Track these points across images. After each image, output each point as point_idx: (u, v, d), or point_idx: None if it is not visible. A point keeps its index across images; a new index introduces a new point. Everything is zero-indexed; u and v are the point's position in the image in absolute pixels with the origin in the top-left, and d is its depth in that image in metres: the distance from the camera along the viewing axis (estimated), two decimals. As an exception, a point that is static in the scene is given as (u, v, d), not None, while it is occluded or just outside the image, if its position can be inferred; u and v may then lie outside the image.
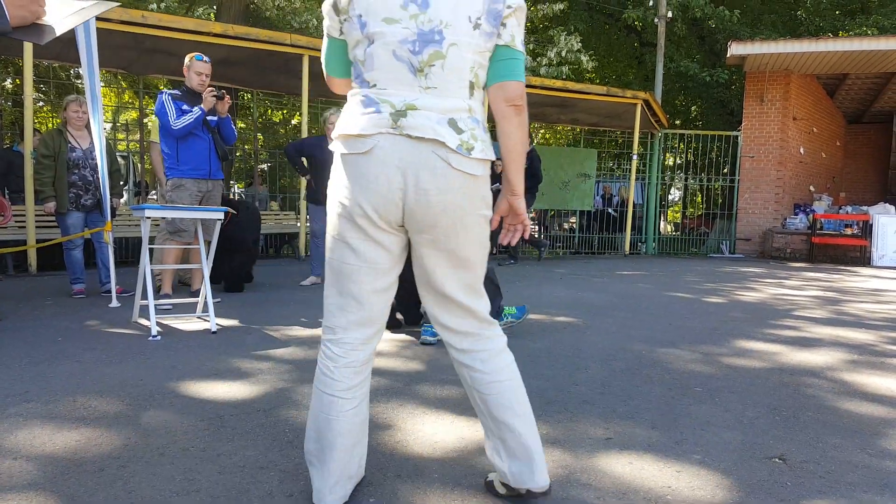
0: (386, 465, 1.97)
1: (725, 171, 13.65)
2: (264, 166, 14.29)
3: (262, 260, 9.55)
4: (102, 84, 14.14)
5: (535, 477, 1.65)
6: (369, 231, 1.56)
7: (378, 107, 1.51)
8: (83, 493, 1.74)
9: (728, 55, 11.43)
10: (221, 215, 4.03)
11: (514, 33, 1.56)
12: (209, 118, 4.80)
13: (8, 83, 14.54)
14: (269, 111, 15.80)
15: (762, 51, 11.17)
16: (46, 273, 6.87)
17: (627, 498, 1.78)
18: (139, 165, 12.67)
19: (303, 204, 9.20)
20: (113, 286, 4.83)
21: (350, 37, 1.57)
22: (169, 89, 5.21)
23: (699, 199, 19.37)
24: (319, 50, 8.45)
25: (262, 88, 11.14)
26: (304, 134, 8.71)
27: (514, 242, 1.74)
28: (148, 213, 3.64)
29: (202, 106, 4.68)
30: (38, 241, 6.61)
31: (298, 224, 9.55)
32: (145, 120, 12.28)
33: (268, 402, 2.57)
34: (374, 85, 1.54)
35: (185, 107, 4.64)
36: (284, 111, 15.56)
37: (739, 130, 12.63)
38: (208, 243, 4.39)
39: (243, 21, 11.31)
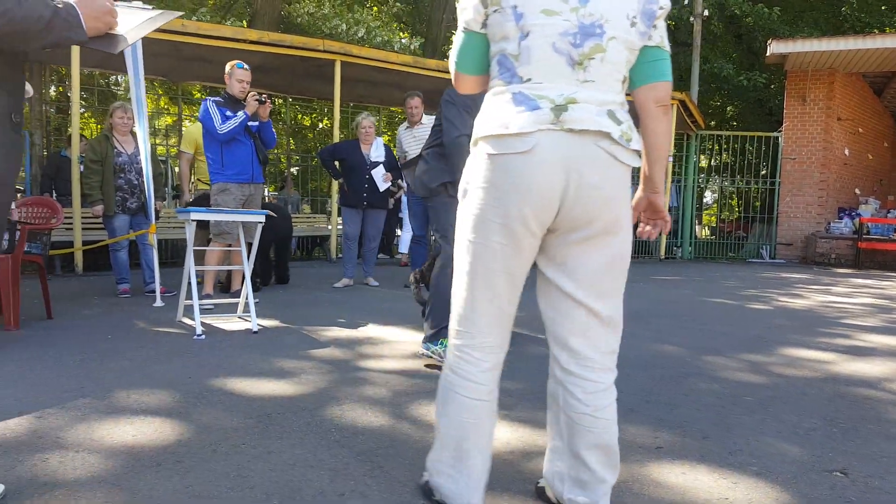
0: (434, 468, 1.96)
1: (763, 173, 13.33)
2: (294, 170, 14.46)
3: (294, 262, 9.68)
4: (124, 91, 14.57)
5: None
6: (519, 236, 1.51)
7: (535, 103, 1.46)
8: (144, 487, 1.78)
9: (768, 54, 11.17)
10: (263, 218, 4.09)
11: (663, 34, 1.57)
12: (250, 123, 4.88)
13: (52, 91, 15.02)
14: (299, 116, 16.00)
15: (805, 49, 10.89)
16: (92, 273, 7.05)
17: (683, 507, 1.74)
18: (175, 170, 12.96)
19: (334, 207, 9.30)
20: (157, 286, 4.93)
21: (498, 29, 1.52)
22: (206, 96, 5.32)
23: (734, 202, 18.99)
24: (350, 55, 8.64)
25: (295, 94, 11.30)
26: (336, 138, 8.80)
27: (653, 237, 1.77)
28: (193, 216, 3.71)
29: (246, 111, 4.76)
30: (84, 243, 6.80)
31: (329, 227, 9.64)
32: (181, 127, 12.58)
33: (312, 402, 2.59)
34: (529, 80, 1.50)
35: (228, 112, 4.73)
36: (313, 115, 15.72)
37: (780, 131, 12.32)
38: (249, 245, 4.45)
39: (276, 29, 11.48)
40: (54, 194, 7.88)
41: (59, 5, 1.18)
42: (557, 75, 1.48)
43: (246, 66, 4.91)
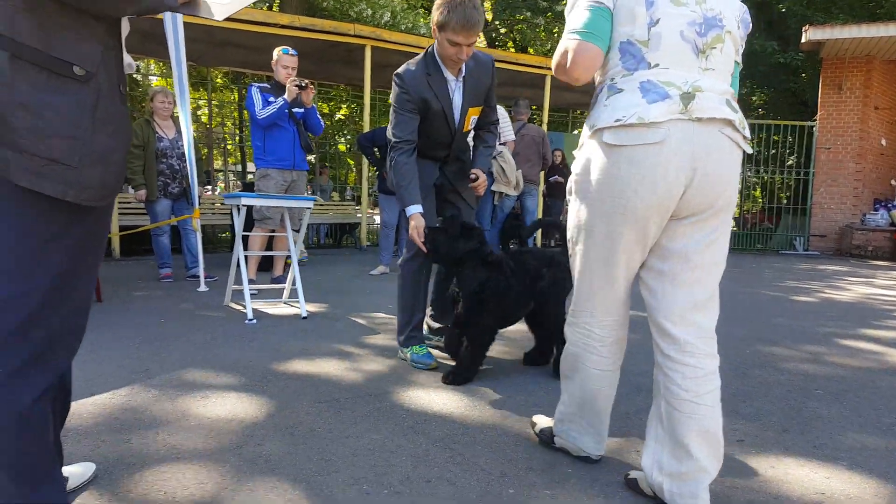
0: (514, 457, 1.94)
1: (790, 163, 13.05)
2: (311, 158, 14.52)
3: (324, 249, 9.70)
4: (158, 76, 14.63)
5: None
6: (645, 225, 1.54)
7: (664, 91, 1.48)
8: (230, 470, 1.77)
9: (804, 40, 10.92)
10: (311, 204, 4.07)
11: (742, 51, 1.66)
12: (296, 110, 4.85)
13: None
14: (319, 102, 16.03)
15: (842, 35, 10.63)
16: (129, 258, 7.12)
17: (780, 502, 1.70)
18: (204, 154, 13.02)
19: (364, 195, 9.27)
20: (201, 271, 4.95)
21: (627, 13, 1.53)
22: (251, 82, 5.28)
23: (757, 192, 18.66)
24: (381, 40, 8.56)
25: (322, 80, 11.25)
26: (367, 125, 8.76)
27: None
28: (244, 201, 3.69)
29: (285, 97, 4.74)
30: (121, 228, 6.85)
31: (360, 214, 9.62)
32: (198, 112, 12.55)
33: (376, 387, 2.57)
34: (657, 65, 1.52)
35: (271, 98, 4.70)
36: (331, 102, 15.66)
37: (815, 121, 12.07)
38: (296, 231, 4.44)
39: (302, 13, 11.44)
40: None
41: None
42: (681, 63, 1.52)
43: (293, 51, 4.85)
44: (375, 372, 2.80)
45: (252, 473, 1.76)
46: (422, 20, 13.04)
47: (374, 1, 11.52)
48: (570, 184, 1.70)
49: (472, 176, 2.93)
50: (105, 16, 1.14)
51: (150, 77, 14.79)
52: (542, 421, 2.07)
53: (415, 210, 2.66)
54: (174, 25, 4.60)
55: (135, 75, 13.81)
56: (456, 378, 2.65)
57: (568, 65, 1.55)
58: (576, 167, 1.66)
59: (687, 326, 1.58)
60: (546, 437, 1.99)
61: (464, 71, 2.77)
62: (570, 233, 1.72)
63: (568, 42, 1.56)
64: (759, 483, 1.81)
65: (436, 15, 2.58)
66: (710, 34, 1.53)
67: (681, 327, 1.58)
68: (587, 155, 1.60)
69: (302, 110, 4.89)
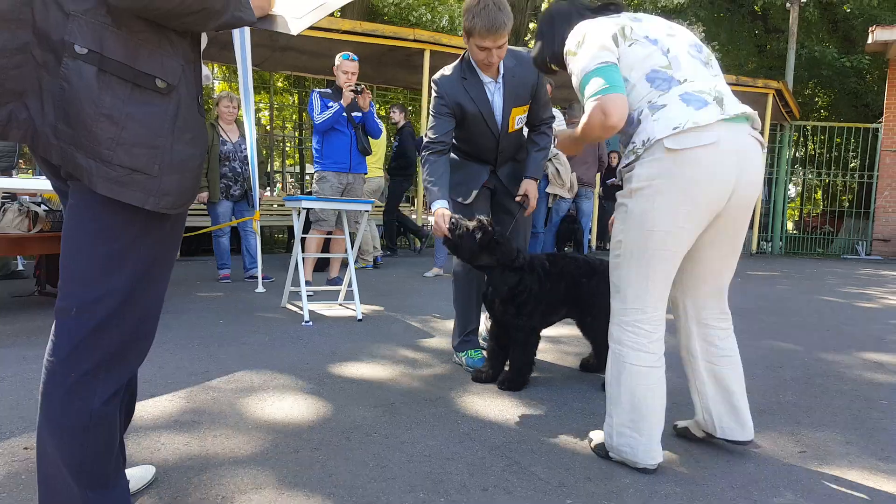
0: (571, 466, 1.92)
1: (852, 165, 12.48)
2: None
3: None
4: (221, 80, 15.07)
5: (744, 432, 1.96)
6: (702, 220, 1.77)
7: (702, 98, 1.71)
8: (287, 475, 1.81)
9: (870, 41, 10.46)
10: (368, 207, 4.13)
11: None
12: (354, 115, 4.93)
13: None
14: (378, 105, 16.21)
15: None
16: (186, 259, 7.38)
17: (852, 523, 1.63)
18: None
19: (419, 197, 9.34)
20: (259, 273, 5.09)
21: (639, 56, 1.80)
22: (319, 88, 5.39)
23: (818, 195, 17.90)
24: (440, 44, 8.60)
25: (381, 83, 11.39)
26: (423, 128, 8.82)
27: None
28: (305, 203, 3.78)
29: (341, 102, 4.82)
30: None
31: (414, 216, 9.69)
32: (258, 115, 12.80)
33: (433, 392, 2.59)
34: (685, 80, 1.76)
35: (330, 103, 4.80)
36: (388, 106, 15.82)
37: (880, 123, 11.52)
38: (353, 234, 4.51)
39: (363, 18, 11.62)
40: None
41: None
42: (699, 74, 1.80)
43: (354, 56, 4.90)
44: (431, 376, 2.83)
45: (309, 478, 1.79)
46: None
47: (432, 6, 11.58)
48: (627, 193, 1.82)
49: (518, 198, 2.87)
50: (187, 31, 1.20)
51: (213, 80, 15.27)
52: (597, 436, 2.05)
53: (439, 205, 2.66)
54: (241, 31, 4.74)
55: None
56: (510, 384, 2.64)
57: (604, 120, 1.72)
58: (636, 178, 1.78)
59: (720, 301, 1.98)
60: (602, 453, 1.99)
61: (502, 71, 2.76)
62: (621, 236, 1.85)
63: (593, 103, 1.73)
64: (822, 498, 1.74)
65: (464, 22, 2.61)
66: (704, 50, 1.89)
67: (715, 301, 1.97)
68: (647, 164, 1.74)
69: (360, 115, 4.97)
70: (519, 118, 2.87)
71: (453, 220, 2.60)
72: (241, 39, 4.75)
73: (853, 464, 1.98)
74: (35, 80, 1.06)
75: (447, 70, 2.79)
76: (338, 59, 4.91)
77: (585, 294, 2.70)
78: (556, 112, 5.17)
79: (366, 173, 5.24)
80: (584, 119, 1.78)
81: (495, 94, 2.80)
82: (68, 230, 1.20)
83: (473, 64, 2.75)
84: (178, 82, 1.18)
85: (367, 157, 5.20)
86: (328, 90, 4.95)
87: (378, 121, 5.17)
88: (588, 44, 1.81)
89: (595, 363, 2.92)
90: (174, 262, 1.43)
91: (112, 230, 1.19)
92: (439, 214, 2.62)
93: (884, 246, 11.31)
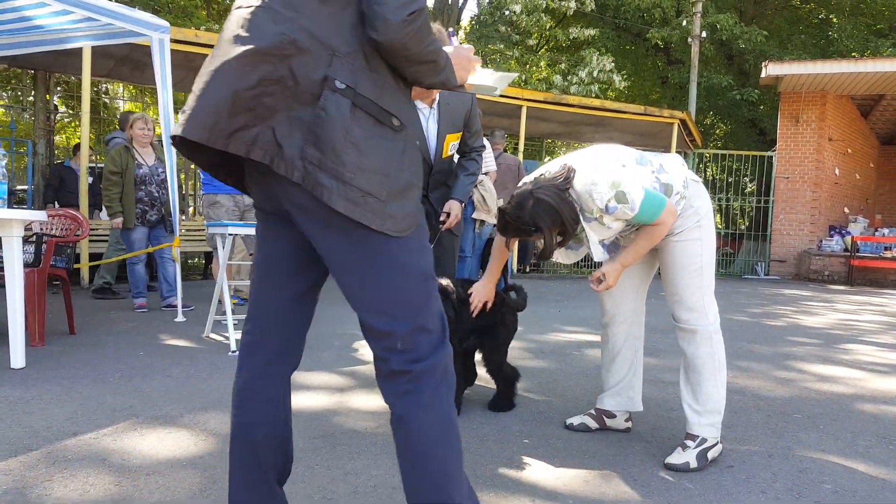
0: (531, 490, 1.95)
1: (749, 190, 13.47)
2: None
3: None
4: (128, 100, 14.45)
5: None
6: None
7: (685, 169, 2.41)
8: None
9: (763, 75, 11.40)
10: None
11: None
12: None
13: (55, 99, 14.78)
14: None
15: (799, 71, 11.14)
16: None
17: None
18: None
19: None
20: (179, 301, 4.87)
21: (652, 174, 2.25)
22: None
23: (718, 219, 19.22)
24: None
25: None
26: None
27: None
28: (230, 230, 3.67)
29: None
30: (94, 256, 6.69)
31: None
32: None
33: (368, 422, 2.56)
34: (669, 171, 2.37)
35: None
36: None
37: (774, 151, 12.56)
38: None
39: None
40: (56, 205, 7.76)
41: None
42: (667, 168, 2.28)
43: None
44: (365, 404, 2.80)
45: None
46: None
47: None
48: (695, 225, 2.24)
49: (441, 217, 2.98)
50: (409, 83, 1.36)
51: (118, 101, 14.61)
52: (681, 457, 2.20)
53: None
54: (161, 52, 4.58)
55: (103, 98, 13.64)
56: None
57: (671, 220, 2.16)
58: (695, 211, 2.24)
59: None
60: (704, 461, 2.18)
61: (437, 98, 2.87)
62: (702, 259, 2.24)
63: (664, 215, 2.11)
64: (754, 511, 1.87)
65: None
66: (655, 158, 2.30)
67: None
68: (692, 199, 2.24)
69: None
70: (452, 144, 2.96)
71: None
72: (161, 59, 4.60)
73: (777, 478, 2.12)
74: (284, 108, 1.19)
75: None
76: None
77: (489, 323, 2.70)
78: (485, 141, 5.31)
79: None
80: (663, 224, 2.13)
81: (430, 120, 2.89)
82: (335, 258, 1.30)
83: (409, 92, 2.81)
84: (408, 123, 1.33)
85: None
86: None
87: None
88: (630, 187, 2.07)
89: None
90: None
91: (338, 244, 1.30)
92: None
93: (780, 266, 12.24)
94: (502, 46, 14.75)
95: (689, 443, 2.21)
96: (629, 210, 2.04)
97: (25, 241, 3.63)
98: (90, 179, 6.96)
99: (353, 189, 1.21)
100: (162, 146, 5.14)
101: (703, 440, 2.20)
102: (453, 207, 2.98)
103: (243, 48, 1.18)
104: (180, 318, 4.78)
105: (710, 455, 2.20)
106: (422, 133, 2.86)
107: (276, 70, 1.18)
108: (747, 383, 3.38)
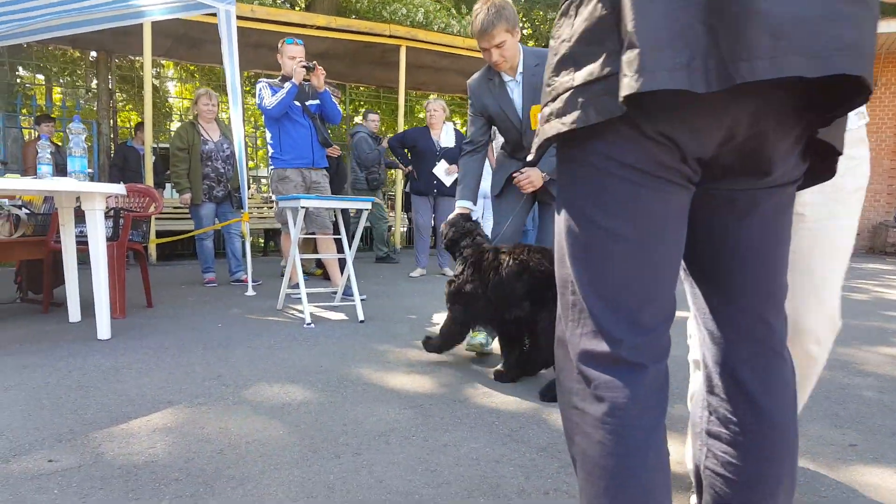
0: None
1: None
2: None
3: (357, 253, 9.65)
4: (177, 81, 14.65)
5: None
6: None
7: None
8: (335, 480, 1.70)
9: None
10: (369, 205, 3.99)
11: None
12: (310, 104, 4.55)
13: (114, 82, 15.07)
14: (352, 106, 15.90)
15: (880, 29, 10.41)
16: (165, 263, 7.12)
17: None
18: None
19: (398, 198, 9.22)
20: (249, 276, 4.91)
21: None
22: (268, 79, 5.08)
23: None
24: (417, 40, 8.50)
25: (354, 82, 11.22)
26: (401, 124, 8.72)
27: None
28: (303, 202, 3.64)
29: (293, 80, 4.32)
30: (161, 234, 6.85)
31: (393, 216, 9.55)
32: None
33: (458, 392, 2.50)
34: None
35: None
36: (350, 105, 15.54)
37: (847, 117, 11.87)
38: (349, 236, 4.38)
39: (334, 14, 11.43)
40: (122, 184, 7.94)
41: None
42: None
43: (298, 41, 4.48)
44: (452, 376, 2.74)
45: (359, 484, 1.69)
46: (453, 20, 12.91)
47: (407, 0, 11.43)
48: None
49: (514, 176, 2.92)
50: None
51: (168, 83, 14.84)
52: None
53: (459, 204, 2.95)
54: (228, 24, 4.55)
55: (157, 80, 13.88)
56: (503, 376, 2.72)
57: None
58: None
59: None
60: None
61: (520, 69, 2.83)
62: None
63: None
64: (876, 490, 1.72)
65: None
66: None
67: None
68: None
69: (316, 102, 4.56)
70: (540, 115, 2.82)
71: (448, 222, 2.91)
72: (229, 35, 4.57)
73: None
74: None
75: (478, 72, 2.95)
76: (281, 46, 4.47)
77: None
78: None
79: (327, 167, 4.84)
80: None
81: (514, 90, 2.87)
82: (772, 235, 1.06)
83: None
84: None
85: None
86: (276, 80, 4.55)
87: (335, 102, 4.69)
88: None
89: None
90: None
91: None
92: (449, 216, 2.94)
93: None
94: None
95: None
96: None
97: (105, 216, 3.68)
98: (153, 158, 7.09)
99: None
100: (228, 123, 5.16)
101: None
102: (532, 173, 2.90)
103: None
104: (251, 292, 4.82)
105: None
106: (510, 105, 2.86)
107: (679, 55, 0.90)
108: (849, 360, 3.18)
